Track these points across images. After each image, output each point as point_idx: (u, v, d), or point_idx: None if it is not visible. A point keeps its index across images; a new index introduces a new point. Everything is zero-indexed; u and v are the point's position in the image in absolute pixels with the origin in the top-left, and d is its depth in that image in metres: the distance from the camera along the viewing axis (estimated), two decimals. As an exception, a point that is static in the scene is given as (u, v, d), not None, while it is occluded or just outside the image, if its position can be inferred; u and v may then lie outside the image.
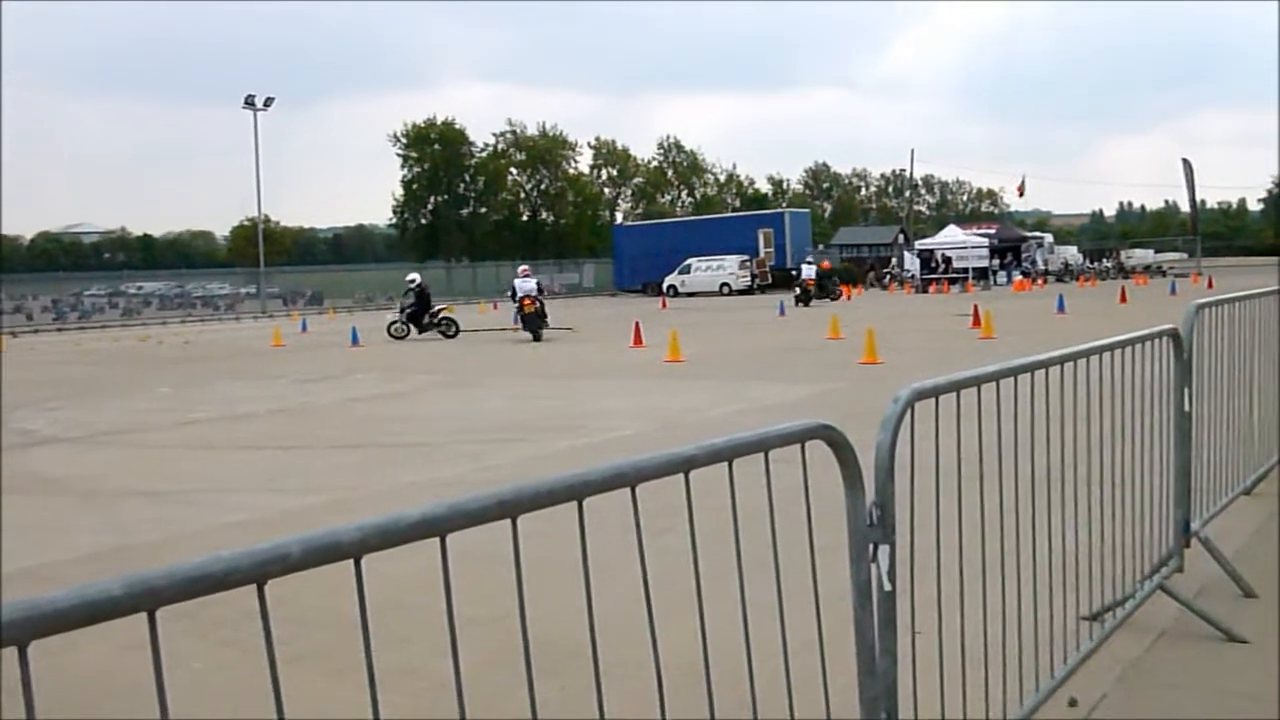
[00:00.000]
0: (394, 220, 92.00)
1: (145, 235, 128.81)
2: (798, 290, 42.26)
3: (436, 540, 1.76)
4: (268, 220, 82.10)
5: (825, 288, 43.96)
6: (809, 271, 43.70)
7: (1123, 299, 33.53)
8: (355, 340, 27.47)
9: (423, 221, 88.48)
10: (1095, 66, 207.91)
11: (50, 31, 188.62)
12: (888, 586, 2.72)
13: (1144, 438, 4.75)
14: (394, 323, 29.25)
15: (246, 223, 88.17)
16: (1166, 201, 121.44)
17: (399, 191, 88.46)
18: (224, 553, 1.46)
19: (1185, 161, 72.83)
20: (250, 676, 4.55)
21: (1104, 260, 64.91)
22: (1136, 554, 4.63)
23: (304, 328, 37.18)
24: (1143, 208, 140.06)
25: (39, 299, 56.46)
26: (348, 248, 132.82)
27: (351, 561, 1.63)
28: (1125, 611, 4.46)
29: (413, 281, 29.36)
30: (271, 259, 73.28)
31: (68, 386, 19.40)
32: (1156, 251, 69.84)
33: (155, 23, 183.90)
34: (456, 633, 1.86)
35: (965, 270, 56.24)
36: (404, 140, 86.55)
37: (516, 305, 27.51)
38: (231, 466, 10.33)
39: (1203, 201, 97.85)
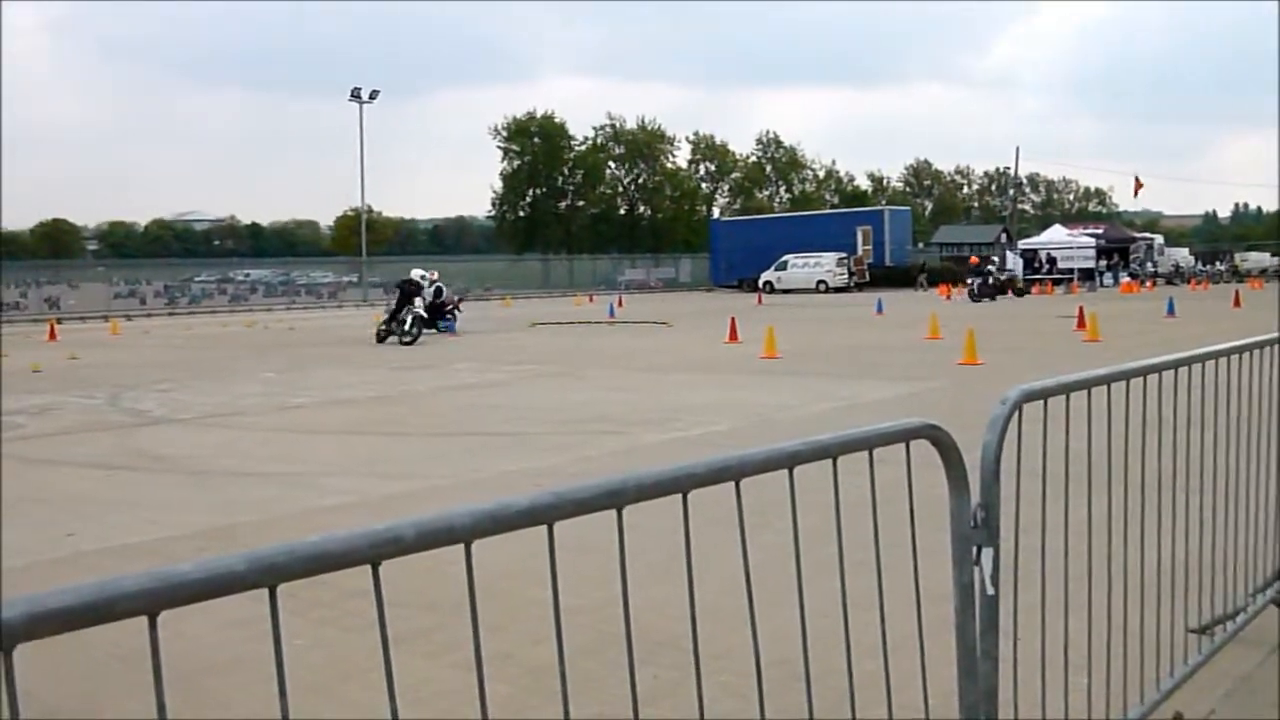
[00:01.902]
0: (492, 212, 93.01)
1: (253, 224, 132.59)
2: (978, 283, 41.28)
3: (529, 529, 1.78)
4: (370, 211, 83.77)
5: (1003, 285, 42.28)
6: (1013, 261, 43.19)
7: (1236, 303, 32.41)
8: (453, 330, 27.85)
9: (521, 214, 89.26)
10: (1209, 62, 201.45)
11: (165, 24, 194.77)
12: (991, 590, 2.68)
13: (1257, 446, 4.60)
14: (391, 322, 25.59)
15: (350, 213, 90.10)
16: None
17: (498, 184, 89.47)
18: (340, 532, 1.49)
19: None
20: (348, 654, 4.66)
21: (1217, 263, 62.96)
22: (1248, 566, 4.48)
23: (404, 317, 37.80)
24: (1259, 209, 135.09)
25: (152, 284, 58.42)
26: (447, 238, 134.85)
27: (450, 547, 1.66)
28: (1235, 625, 4.32)
29: (428, 280, 27.33)
30: (373, 249, 74.76)
31: (178, 369, 20.03)
32: (1273, 255, 67.38)
33: (267, 18, 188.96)
34: (548, 621, 1.88)
35: (1070, 271, 54.97)
36: (504, 133, 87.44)
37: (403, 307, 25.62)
38: (333, 451, 10.57)
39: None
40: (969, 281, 41.92)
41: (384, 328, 25.43)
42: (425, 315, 25.63)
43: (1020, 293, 42.44)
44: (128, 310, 48.30)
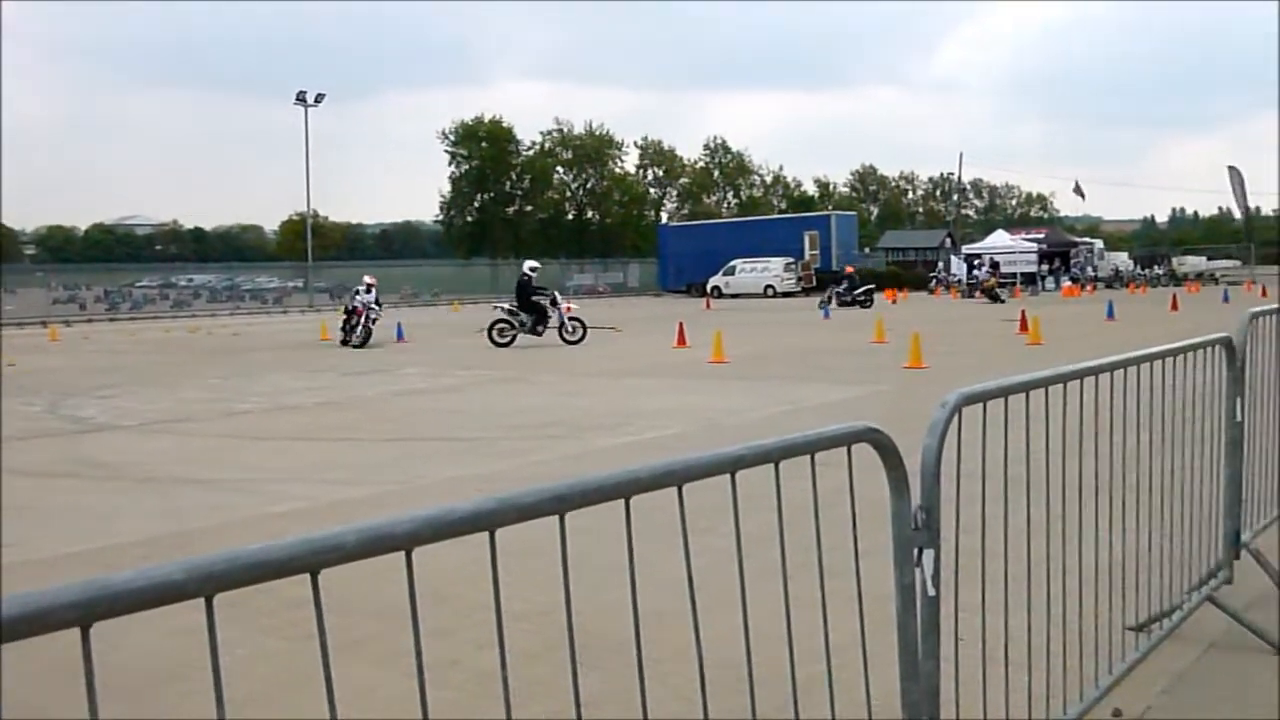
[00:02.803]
0: (441, 217, 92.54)
1: (197, 228, 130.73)
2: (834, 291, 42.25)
3: (478, 534, 1.78)
4: (316, 215, 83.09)
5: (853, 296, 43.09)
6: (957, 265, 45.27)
7: (1174, 306, 33.05)
8: (400, 336, 27.67)
9: (469, 219, 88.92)
10: (1149, 70, 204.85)
11: (105, 25, 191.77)
12: (932, 591, 2.72)
13: (1195, 447, 4.70)
14: (501, 323, 24.39)
15: (295, 217, 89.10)
16: (1220, 208, 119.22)
17: (446, 188, 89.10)
18: (281, 540, 1.49)
19: (1232, 169, 70.66)
20: (292, 664, 4.62)
21: (1155, 267, 64.06)
22: (1185, 565, 4.58)
23: (351, 322, 37.47)
24: (1196, 214, 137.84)
25: (93, 289, 57.50)
26: (395, 243, 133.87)
27: (400, 553, 1.66)
28: (1172, 623, 4.40)
29: (533, 272, 25.25)
30: (319, 254, 74.14)
31: (120, 375, 19.71)
32: (1210, 259, 68.75)
33: (209, 18, 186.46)
34: (495, 627, 1.88)
35: (1013, 276, 55.73)
36: (452, 137, 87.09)
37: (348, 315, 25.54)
38: (281, 457, 10.46)
39: (1257, 208, 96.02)
40: (829, 292, 42.69)
41: (505, 324, 24.29)
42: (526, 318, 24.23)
43: (995, 298, 43.06)
44: (67, 316, 47.48)
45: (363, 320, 25.44)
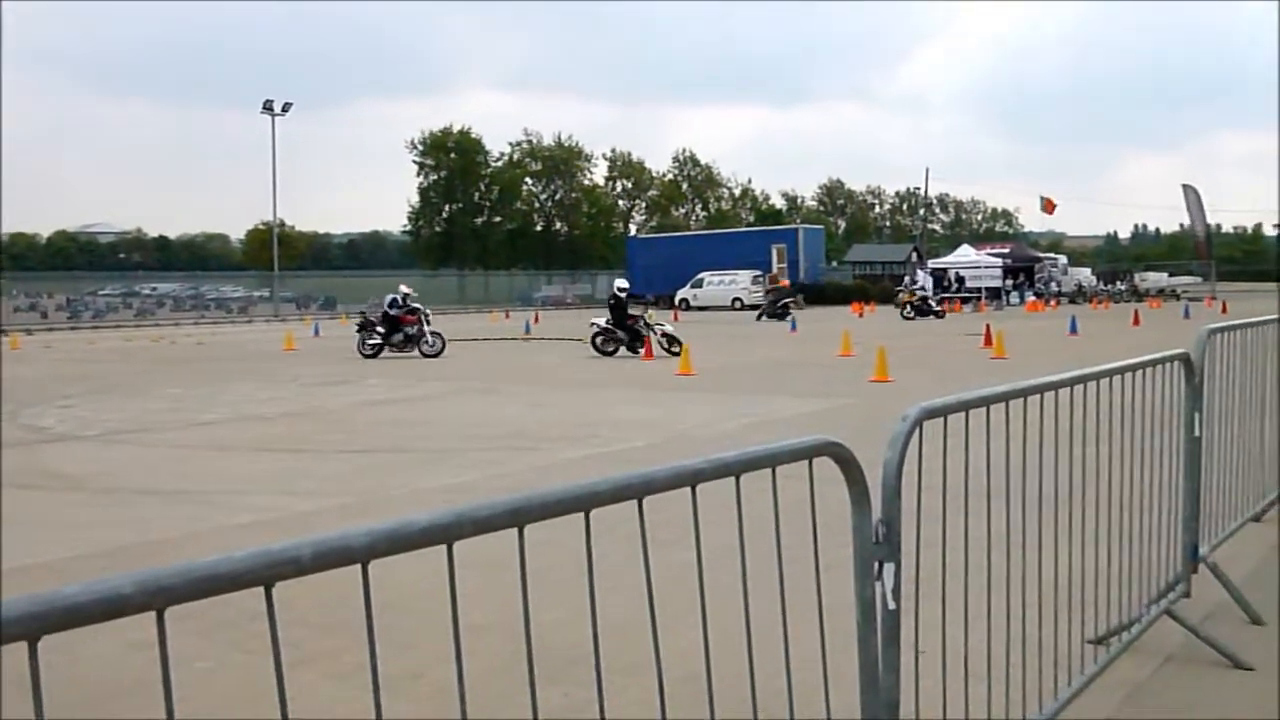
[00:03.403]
0: (408, 227, 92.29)
1: (161, 236, 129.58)
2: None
3: (445, 546, 1.78)
4: (283, 224, 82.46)
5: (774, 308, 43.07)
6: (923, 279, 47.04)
7: (1135, 322, 33.44)
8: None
9: (437, 229, 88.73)
10: (1111, 88, 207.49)
11: (70, 31, 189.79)
12: (892, 604, 2.73)
13: (1153, 462, 4.75)
14: (602, 334, 24.15)
15: (261, 226, 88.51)
16: (1182, 225, 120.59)
17: (414, 199, 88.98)
18: (235, 553, 1.47)
19: (1187, 188, 71.19)
20: (255, 678, 4.56)
21: (1117, 283, 64.85)
22: (1143, 578, 4.62)
23: (316, 332, 37.27)
24: (1158, 230, 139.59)
25: (54, 297, 56.97)
26: (362, 253, 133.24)
27: (360, 566, 1.65)
28: (1131, 635, 4.44)
29: (622, 292, 24.70)
30: (286, 263, 73.62)
31: (81, 384, 19.48)
32: (1170, 275, 69.64)
33: (174, 25, 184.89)
34: (462, 639, 1.87)
35: (978, 290, 56.19)
36: (420, 148, 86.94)
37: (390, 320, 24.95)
38: (244, 468, 10.37)
39: (1218, 225, 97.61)
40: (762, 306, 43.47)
41: (604, 335, 24.01)
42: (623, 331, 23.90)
43: (938, 315, 43.06)
44: (28, 324, 46.92)
45: (421, 324, 24.79)
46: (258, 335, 39.07)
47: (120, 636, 4.46)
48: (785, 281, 58.32)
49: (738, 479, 2.39)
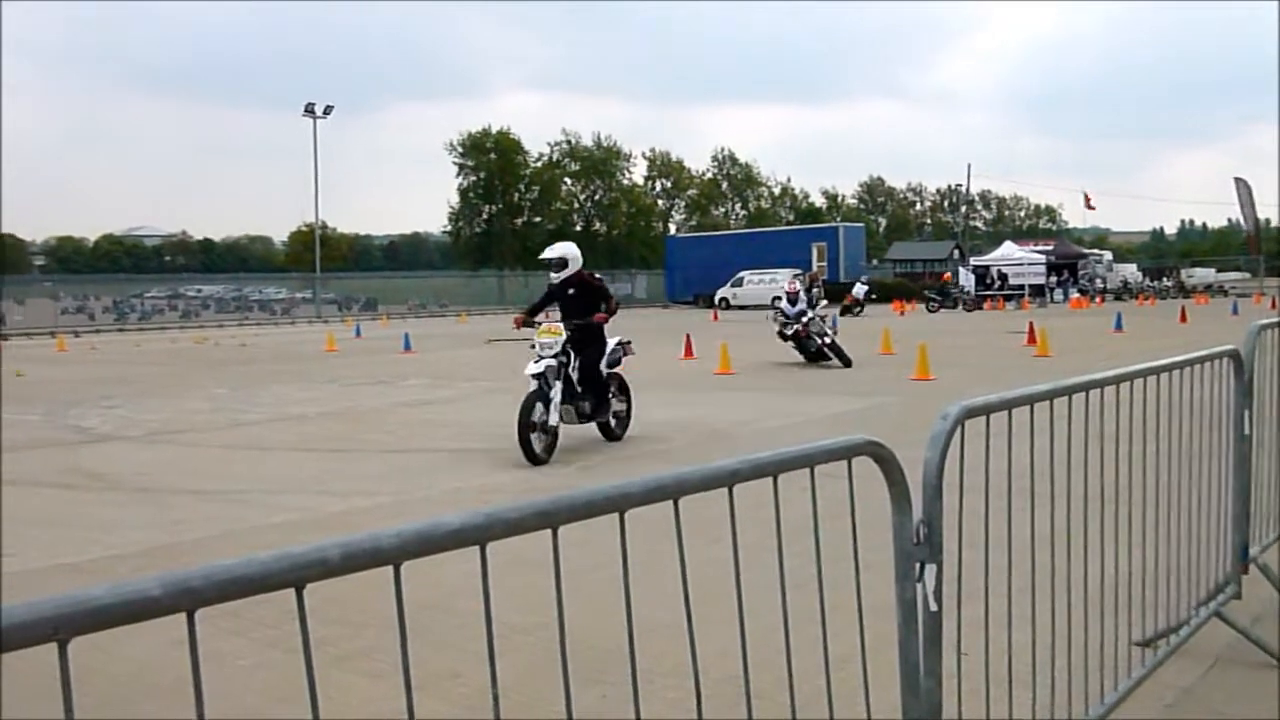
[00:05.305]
0: (448, 228, 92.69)
1: (205, 239, 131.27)
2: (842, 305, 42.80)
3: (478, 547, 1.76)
4: (325, 226, 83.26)
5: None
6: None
7: (1183, 318, 32.94)
8: (408, 346, 27.67)
9: (477, 230, 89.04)
10: (1155, 79, 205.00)
11: (118, 35, 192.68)
12: (933, 606, 2.68)
13: (1202, 461, 4.65)
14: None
15: (304, 229, 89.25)
16: (1229, 220, 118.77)
17: (454, 200, 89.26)
18: (262, 555, 1.46)
19: (1239, 181, 70.18)
20: (294, 676, 4.58)
21: (1164, 279, 63.95)
22: (1192, 579, 4.52)
23: (358, 333, 37.54)
24: (1204, 225, 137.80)
25: (101, 300, 57.61)
26: (402, 255, 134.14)
27: (411, 562, 1.64)
28: (1179, 638, 4.36)
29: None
30: (327, 265, 74.28)
31: (125, 385, 19.73)
32: (1218, 270, 68.51)
33: (220, 29, 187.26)
34: (494, 641, 1.86)
35: (1021, 287, 55.64)
36: (460, 149, 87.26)
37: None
38: (282, 467, 10.44)
39: (1267, 220, 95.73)
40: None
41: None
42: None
43: (967, 308, 43.00)
44: (75, 326, 47.53)
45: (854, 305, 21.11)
46: (300, 336, 39.39)
47: (163, 634, 4.50)
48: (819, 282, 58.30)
49: (775, 479, 2.36)
